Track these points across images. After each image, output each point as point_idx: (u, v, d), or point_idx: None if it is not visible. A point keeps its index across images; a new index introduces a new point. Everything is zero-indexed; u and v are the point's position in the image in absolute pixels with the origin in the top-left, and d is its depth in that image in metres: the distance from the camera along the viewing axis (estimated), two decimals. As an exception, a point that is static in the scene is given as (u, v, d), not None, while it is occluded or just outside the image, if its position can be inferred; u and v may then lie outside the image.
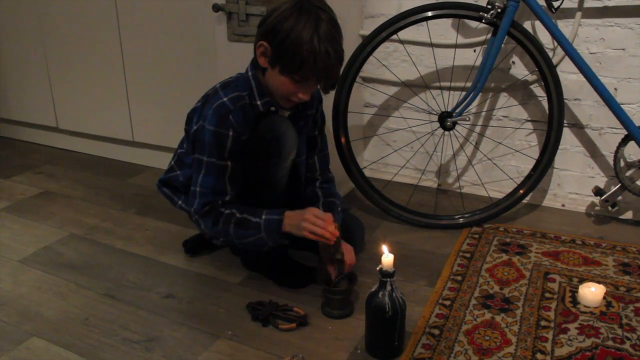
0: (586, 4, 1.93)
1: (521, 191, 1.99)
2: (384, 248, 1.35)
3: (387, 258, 1.33)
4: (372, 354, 1.39)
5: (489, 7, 1.83)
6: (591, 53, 1.98)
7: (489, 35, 1.93)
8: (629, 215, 2.07)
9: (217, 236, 1.58)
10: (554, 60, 2.00)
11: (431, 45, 2.17)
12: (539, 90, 2.09)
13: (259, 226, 1.52)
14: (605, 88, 1.82)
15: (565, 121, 2.01)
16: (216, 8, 1.95)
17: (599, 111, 2.02)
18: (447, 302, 1.58)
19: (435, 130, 2.19)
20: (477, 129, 2.24)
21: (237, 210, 1.55)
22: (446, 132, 2.08)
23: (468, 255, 1.82)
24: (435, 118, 2.00)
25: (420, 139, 2.32)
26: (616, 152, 1.92)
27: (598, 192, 1.97)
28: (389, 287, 1.33)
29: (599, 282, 1.59)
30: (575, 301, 1.57)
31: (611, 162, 1.99)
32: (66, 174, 2.62)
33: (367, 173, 2.19)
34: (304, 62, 1.41)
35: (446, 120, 1.94)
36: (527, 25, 2.02)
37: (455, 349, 1.39)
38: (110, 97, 2.62)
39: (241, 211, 1.54)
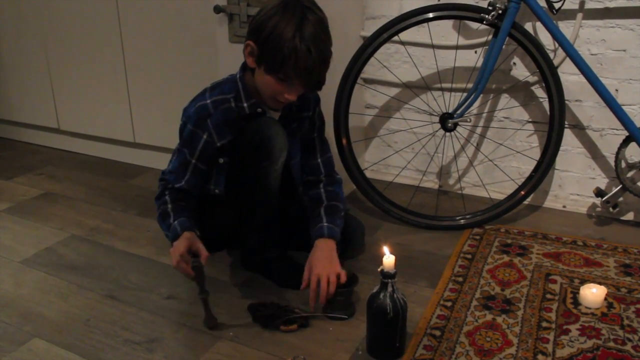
0: (587, 5, 1.93)
1: (522, 192, 1.99)
2: (385, 249, 1.35)
3: (388, 259, 1.33)
4: (373, 355, 1.39)
5: (490, 8, 1.83)
6: (592, 54, 1.98)
7: (490, 37, 1.93)
8: (630, 216, 2.06)
9: (157, 207, 1.63)
10: (555, 62, 2.00)
11: (432, 46, 2.18)
12: (540, 92, 2.10)
13: (169, 227, 1.56)
14: (606, 89, 1.82)
15: (566, 122, 2.01)
16: (217, 9, 1.95)
17: (600, 112, 2.02)
18: (448, 303, 1.58)
19: (437, 131, 2.19)
20: (478, 130, 2.24)
21: (170, 202, 1.60)
22: (447, 133, 2.08)
23: (469, 256, 1.82)
24: (437, 119, 2.00)
25: (421, 140, 2.32)
26: (617, 153, 1.91)
27: (599, 193, 1.97)
28: (390, 288, 1.33)
29: (600, 283, 1.59)
30: (576, 302, 1.57)
31: (612, 164, 1.99)
32: (67, 175, 2.63)
33: (368, 174, 2.19)
34: (285, 60, 1.40)
35: (447, 122, 1.94)
36: (528, 26, 2.02)
37: (457, 350, 1.39)
38: (112, 98, 2.63)
39: (172, 205, 1.59)
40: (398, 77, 2.26)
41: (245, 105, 1.56)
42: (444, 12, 1.89)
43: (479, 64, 2.11)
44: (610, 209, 1.98)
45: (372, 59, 2.00)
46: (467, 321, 1.50)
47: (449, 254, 1.85)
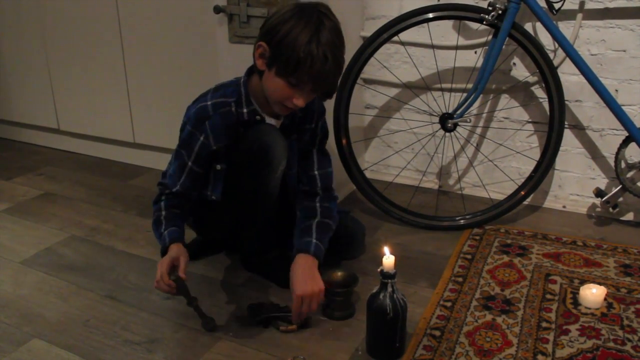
0: (587, 6, 1.93)
1: (522, 192, 1.99)
2: (385, 249, 1.35)
3: (388, 259, 1.33)
4: (373, 356, 1.39)
5: (490, 8, 1.83)
6: (592, 54, 1.98)
7: (490, 37, 1.93)
8: (630, 216, 2.06)
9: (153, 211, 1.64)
10: (555, 62, 2.00)
11: (432, 46, 2.18)
12: (539, 92, 2.10)
13: (160, 236, 1.56)
14: (606, 89, 1.82)
15: (566, 122, 2.01)
16: (217, 9, 1.95)
17: (600, 112, 2.02)
18: (448, 304, 1.58)
19: (436, 131, 2.19)
20: (478, 130, 2.24)
21: (164, 209, 1.60)
22: (447, 134, 2.08)
23: (469, 256, 1.82)
24: (436, 119, 2.00)
25: (421, 140, 2.32)
26: (617, 153, 1.92)
27: (599, 193, 1.97)
28: (390, 289, 1.33)
29: (600, 284, 1.59)
30: (576, 302, 1.57)
31: (612, 164, 1.99)
32: (67, 175, 2.63)
33: (368, 174, 2.18)
34: (300, 63, 1.38)
35: (447, 122, 1.94)
36: (528, 26, 2.02)
37: (456, 350, 1.39)
38: (112, 98, 2.63)
39: (165, 212, 1.59)
40: (398, 77, 2.26)
41: (244, 111, 1.55)
42: (443, 12, 1.89)
43: (479, 64, 2.11)
44: (610, 209, 1.98)
45: (372, 59, 2.00)
46: (467, 321, 1.50)
47: (449, 254, 1.85)
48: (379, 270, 1.34)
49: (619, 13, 1.91)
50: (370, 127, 2.42)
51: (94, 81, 2.66)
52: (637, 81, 1.95)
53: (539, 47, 1.86)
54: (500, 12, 1.81)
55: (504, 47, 1.89)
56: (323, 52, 1.38)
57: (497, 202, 2.04)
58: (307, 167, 1.72)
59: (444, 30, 2.16)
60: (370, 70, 2.31)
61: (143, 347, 1.44)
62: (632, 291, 1.61)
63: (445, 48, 2.17)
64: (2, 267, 1.84)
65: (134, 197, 2.37)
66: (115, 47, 2.51)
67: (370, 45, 1.93)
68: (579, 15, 1.94)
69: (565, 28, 1.98)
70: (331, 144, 1.99)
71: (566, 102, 2.00)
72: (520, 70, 2.11)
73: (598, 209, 2.11)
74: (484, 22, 1.85)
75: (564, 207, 2.17)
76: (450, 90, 2.20)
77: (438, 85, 2.22)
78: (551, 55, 1.99)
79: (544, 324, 1.48)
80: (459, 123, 1.96)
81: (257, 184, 1.55)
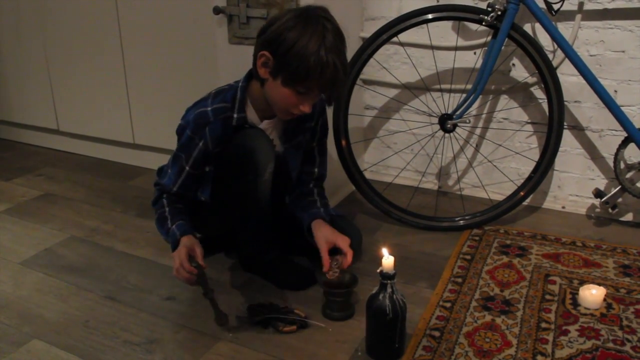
0: (586, 7, 1.94)
1: (521, 193, 1.99)
2: (385, 250, 1.35)
3: (388, 260, 1.33)
4: (372, 356, 1.39)
5: (489, 9, 1.83)
6: (591, 55, 1.98)
7: (489, 38, 1.93)
8: (629, 217, 2.07)
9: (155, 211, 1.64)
10: (554, 63, 2.01)
11: (431, 47, 2.18)
12: (539, 93, 2.10)
13: (168, 232, 1.57)
14: (605, 90, 1.82)
15: (565, 123, 2.01)
16: (217, 10, 1.95)
17: (599, 113, 2.02)
18: (448, 304, 1.58)
19: (436, 132, 2.19)
20: (478, 131, 2.24)
21: (167, 205, 1.61)
22: (446, 135, 2.08)
23: (468, 257, 1.82)
24: (436, 120, 2.00)
25: (420, 141, 2.32)
26: (616, 154, 1.92)
27: (598, 194, 1.97)
28: (389, 289, 1.33)
29: (599, 284, 1.59)
30: (575, 303, 1.57)
31: (611, 164, 1.99)
32: (67, 176, 2.63)
33: (368, 175, 2.18)
34: (310, 73, 1.38)
35: (446, 123, 1.94)
36: (527, 27, 2.02)
37: (456, 351, 1.39)
38: (111, 99, 2.63)
39: (169, 208, 1.60)
40: (397, 78, 2.27)
41: (235, 116, 1.54)
42: (443, 13, 1.89)
43: (478, 65, 2.11)
44: (610, 210, 1.98)
45: (371, 60, 2.00)
46: (466, 322, 1.50)
47: (448, 254, 1.85)
48: (378, 271, 1.34)
49: (618, 14, 1.91)
50: (370, 127, 2.43)
51: (93, 82, 2.66)
52: (636, 82, 1.95)
53: (538, 48, 1.87)
54: (499, 13, 1.82)
55: (503, 47, 1.90)
56: (332, 60, 1.38)
57: (496, 203, 2.04)
58: (307, 164, 1.74)
59: (443, 31, 2.16)
60: (370, 71, 2.31)
61: (143, 347, 1.44)
62: (632, 292, 1.62)
63: (445, 49, 2.17)
64: (2, 268, 1.84)
65: (134, 197, 2.37)
66: (115, 48, 2.51)
67: (370, 46, 1.93)
68: (578, 16, 1.95)
69: (565, 29, 1.98)
70: (331, 144, 1.99)
71: (565, 102, 2.01)
72: (520, 71, 2.11)
73: (597, 210, 2.11)
74: (483, 23, 1.85)
75: (563, 207, 2.17)
76: (450, 91, 2.21)
77: (437, 86, 2.23)
78: (550, 56, 1.99)
79: (544, 325, 1.48)
80: (459, 124, 1.96)
81: (245, 188, 1.55)
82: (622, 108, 1.85)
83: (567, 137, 2.09)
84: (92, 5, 2.51)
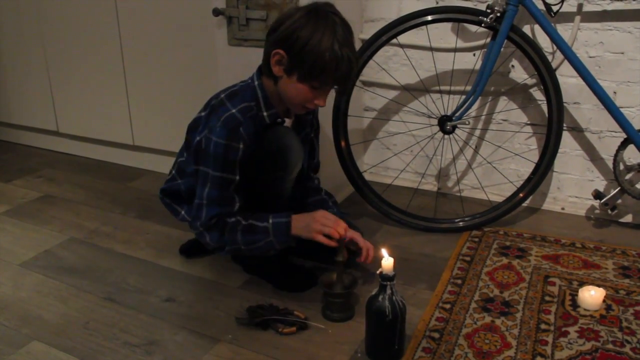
0: (585, 8, 1.94)
1: (521, 194, 2.00)
2: (384, 252, 1.35)
3: (387, 261, 1.33)
4: (372, 358, 1.39)
5: (489, 11, 1.83)
6: (590, 57, 1.98)
7: (489, 39, 1.94)
8: (628, 218, 2.07)
9: (222, 246, 1.56)
10: (553, 64, 2.01)
11: (431, 49, 2.18)
12: (538, 94, 2.10)
13: (267, 230, 1.51)
14: (605, 92, 1.82)
15: (564, 125, 2.02)
16: (216, 12, 1.95)
17: (598, 115, 2.02)
18: (447, 306, 1.58)
19: (435, 133, 2.19)
20: (477, 132, 2.24)
21: (242, 218, 1.54)
22: (446, 136, 2.09)
23: (468, 258, 1.82)
24: (435, 122, 2.00)
25: (420, 142, 2.32)
26: (615, 155, 1.92)
27: (598, 195, 1.97)
28: (389, 291, 1.33)
29: (598, 286, 1.59)
30: (575, 304, 1.57)
31: (611, 166, 1.99)
32: (66, 177, 2.63)
33: (367, 177, 2.19)
34: (326, 68, 1.42)
35: (446, 124, 1.94)
36: (526, 29, 2.02)
37: (456, 352, 1.39)
38: (111, 100, 2.63)
39: (246, 218, 1.54)
40: (397, 79, 2.27)
41: (265, 114, 1.55)
42: (442, 14, 1.89)
43: (478, 66, 2.11)
44: (609, 211, 1.98)
45: (370, 62, 2.00)
46: (466, 323, 1.50)
47: (448, 256, 1.85)
48: (378, 272, 1.34)
49: (617, 15, 1.91)
50: (369, 129, 2.43)
51: (93, 83, 2.66)
52: (635, 83, 1.95)
53: (538, 50, 1.87)
54: (498, 14, 1.82)
55: (502, 49, 1.90)
56: (346, 54, 1.42)
57: (495, 204, 2.04)
58: (311, 155, 1.78)
59: (442, 33, 2.17)
60: (369, 72, 2.31)
61: (142, 349, 1.44)
62: (631, 293, 1.62)
63: (444, 50, 2.18)
64: (2, 270, 1.84)
65: (134, 199, 2.37)
66: (114, 50, 2.51)
67: (369, 48, 1.93)
68: (577, 18, 1.95)
69: (564, 30, 1.98)
70: (330, 146, 2.00)
71: (565, 104, 2.01)
72: (519, 73, 2.11)
73: (597, 211, 2.12)
74: (483, 25, 1.85)
75: (562, 209, 2.17)
76: (449, 92, 2.21)
77: (437, 88, 2.23)
78: (549, 58, 1.99)
79: (543, 326, 1.48)
80: (458, 125, 1.97)
81: (272, 184, 1.57)
82: (621, 109, 1.85)
83: (567, 138, 2.09)
84: (91, 7, 2.51)
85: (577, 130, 2.08)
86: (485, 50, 1.95)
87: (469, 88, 2.00)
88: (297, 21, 1.43)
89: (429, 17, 1.89)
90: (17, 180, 2.60)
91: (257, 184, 1.58)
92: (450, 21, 2.01)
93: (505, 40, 1.85)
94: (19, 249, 1.96)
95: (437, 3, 2.13)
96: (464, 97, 1.96)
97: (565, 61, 1.94)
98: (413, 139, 2.33)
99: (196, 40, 2.27)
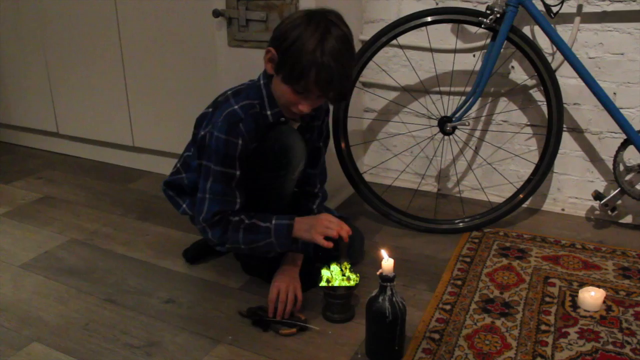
0: (585, 9, 1.94)
1: (521, 195, 2.00)
2: (384, 253, 1.35)
3: (387, 263, 1.33)
4: (372, 359, 1.39)
5: (488, 12, 1.83)
6: (590, 58, 1.98)
7: (489, 40, 1.94)
8: (628, 219, 2.07)
9: (224, 243, 1.56)
10: (553, 65, 2.01)
11: (431, 50, 2.18)
12: (538, 95, 2.10)
13: (269, 231, 1.51)
14: (604, 92, 1.82)
15: (564, 125, 2.02)
16: (216, 13, 1.95)
17: (598, 115, 2.02)
18: (447, 307, 1.58)
19: (435, 135, 2.19)
20: (477, 133, 2.24)
21: (246, 216, 1.54)
22: (446, 137, 2.09)
23: (468, 259, 1.82)
24: (435, 123, 2.00)
25: (420, 143, 2.32)
26: (615, 156, 1.92)
27: (598, 196, 1.97)
28: (389, 292, 1.33)
29: (598, 286, 1.59)
30: (575, 305, 1.57)
31: (610, 167, 1.99)
32: (67, 179, 2.63)
33: (367, 178, 2.19)
34: (304, 73, 1.39)
35: (446, 125, 1.94)
36: (526, 30, 2.03)
37: (456, 353, 1.39)
38: (111, 102, 2.63)
39: (249, 217, 1.54)
40: (397, 80, 2.27)
41: (269, 113, 1.54)
42: (442, 15, 1.89)
43: (478, 67, 2.11)
44: (609, 212, 1.98)
45: (370, 63, 2.00)
46: (466, 324, 1.50)
47: (448, 257, 1.85)
48: (378, 273, 1.34)
49: (616, 16, 1.92)
50: (369, 130, 2.43)
51: (93, 85, 2.66)
52: (635, 84, 1.95)
53: (537, 51, 1.87)
54: (498, 15, 1.82)
55: (502, 50, 1.90)
56: (327, 62, 1.38)
57: (495, 205, 2.04)
58: (312, 164, 1.75)
59: (442, 34, 2.17)
60: (369, 73, 2.31)
61: (142, 350, 1.44)
62: (631, 294, 1.62)
63: (444, 51, 2.18)
64: (2, 271, 1.84)
65: (134, 200, 2.37)
66: (114, 51, 2.51)
67: (369, 49, 1.94)
68: (577, 19, 1.95)
69: (564, 31, 1.98)
70: (330, 147, 1.99)
71: (564, 105, 2.01)
72: (519, 74, 2.11)
73: (597, 212, 2.12)
74: (482, 26, 1.85)
75: (562, 210, 2.17)
76: (449, 93, 2.21)
77: (437, 89, 2.23)
78: (549, 59, 2.00)
79: (543, 327, 1.48)
80: (458, 126, 1.97)
81: (274, 184, 1.57)
82: (621, 110, 1.85)
83: (567, 139, 2.09)
84: (91, 8, 2.51)
85: (577, 131, 2.09)
86: (485, 51, 1.95)
87: (468, 89, 2.00)
88: (294, 22, 1.42)
89: (429, 18, 1.89)
90: (17, 182, 2.60)
91: (259, 182, 1.58)
92: (450, 22, 2.01)
93: (505, 41, 1.85)
94: (19, 251, 1.96)
95: (437, 4, 2.13)
96: (463, 98, 1.96)
97: (565, 62, 1.94)
98: (413, 140, 2.33)
99: (196, 42, 2.27)
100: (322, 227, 1.49)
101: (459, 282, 1.70)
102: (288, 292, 1.52)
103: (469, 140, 2.27)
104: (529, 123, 2.15)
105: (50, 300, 1.67)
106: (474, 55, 2.15)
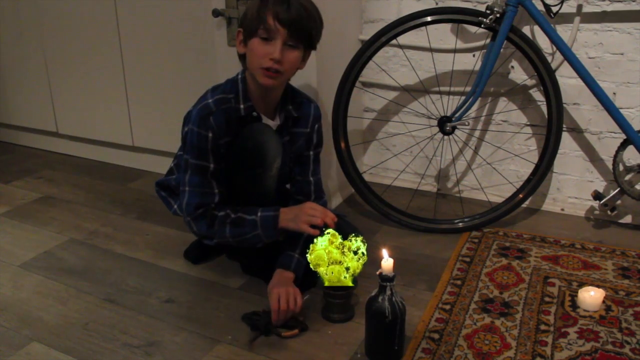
0: (585, 9, 1.94)
1: (520, 195, 2.00)
2: (384, 252, 1.35)
3: (387, 262, 1.33)
4: (372, 359, 1.39)
5: (488, 12, 1.83)
6: (590, 58, 1.98)
7: (488, 40, 1.94)
8: (628, 219, 2.07)
9: (211, 237, 1.59)
10: (553, 65, 2.01)
11: (430, 50, 2.18)
12: (538, 95, 2.10)
13: (255, 224, 1.54)
14: (604, 92, 1.82)
15: (564, 125, 2.02)
16: (216, 13, 1.95)
17: (598, 115, 2.02)
18: (447, 307, 1.58)
19: (435, 134, 2.19)
20: (477, 133, 2.24)
21: (231, 211, 1.56)
22: (445, 137, 2.09)
23: (468, 259, 1.83)
24: (435, 123, 2.00)
25: (419, 143, 2.32)
26: (615, 156, 1.92)
27: (597, 196, 1.97)
28: (388, 292, 1.33)
29: (598, 286, 1.60)
30: (574, 305, 1.57)
31: (610, 166, 1.99)
32: (66, 178, 2.63)
33: (367, 177, 2.19)
34: (260, 10, 1.45)
35: (445, 125, 1.95)
36: (526, 30, 2.02)
37: (455, 353, 1.39)
38: (110, 101, 2.63)
39: (235, 211, 1.56)
40: (396, 80, 2.27)
41: (242, 107, 1.57)
42: (442, 15, 1.89)
43: (477, 67, 2.11)
44: (609, 212, 1.98)
45: (370, 63, 2.00)
46: (465, 324, 1.50)
47: (448, 257, 1.85)
48: (377, 273, 1.34)
49: (616, 16, 1.92)
50: (369, 130, 2.43)
51: (92, 84, 2.66)
52: (634, 84, 1.95)
53: (537, 50, 1.87)
54: (498, 15, 1.82)
55: (502, 50, 1.90)
56: None
57: (495, 205, 2.04)
58: (302, 172, 1.74)
59: (442, 34, 2.17)
60: (369, 73, 2.31)
61: (142, 350, 1.44)
62: (631, 294, 1.62)
63: (444, 51, 2.18)
64: (1, 271, 1.84)
65: (133, 200, 2.37)
66: (114, 51, 2.51)
67: (369, 49, 1.94)
68: (577, 19, 1.95)
69: (563, 31, 1.98)
70: (330, 147, 2.00)
71: (564, 105, 2.01)
72: (519, 74, 2.11)
73: (596, 212, 2.12)
74: (482, 26, 1.85)
75: (562, 209, 2.17)
76: (449, 93, 2.21)
77: (436, 89, 2.23)
78: (549, 59, 2.00)
79: (543, 327, 1.48)
80: (457, 126, 1.97)
81: (253, 182, 1.57)
82: (621, 110, 1.85)
83: (566, 139, 2.09)
84: (91, 8, 2.51)
85: (577, 131, 2.09)
86: (485, 51, 1.95)
87: (468, 89, 2.00)
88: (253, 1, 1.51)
89: (429, 18, 1.89)
90: (16, 181, 2.59)
91: (239, 181, 1.59)
92: (449, 22, 2.01)
93: (505, 41, 1.85)
94: (18, 250, 1.96)
95: (436, 4, 2.13)
96: (463, 98, 1.96)
97: (565, 62, 1.94)
98: (413, 139, 2.33)
99: (195, 41, 2.27)
100: (307, 215, 1.50)
101: (459, 282, 1.70)
102: (289, 298, 1.51)
103: (468, 140, 2.27)
104: (528, 123, 2.15)
105: (49, 300, 1.67)
106: (473, 55, 2.15)
